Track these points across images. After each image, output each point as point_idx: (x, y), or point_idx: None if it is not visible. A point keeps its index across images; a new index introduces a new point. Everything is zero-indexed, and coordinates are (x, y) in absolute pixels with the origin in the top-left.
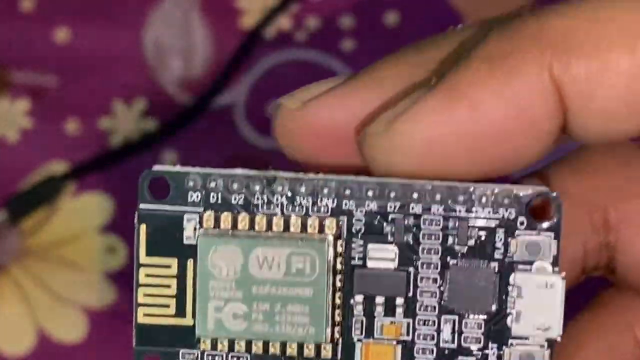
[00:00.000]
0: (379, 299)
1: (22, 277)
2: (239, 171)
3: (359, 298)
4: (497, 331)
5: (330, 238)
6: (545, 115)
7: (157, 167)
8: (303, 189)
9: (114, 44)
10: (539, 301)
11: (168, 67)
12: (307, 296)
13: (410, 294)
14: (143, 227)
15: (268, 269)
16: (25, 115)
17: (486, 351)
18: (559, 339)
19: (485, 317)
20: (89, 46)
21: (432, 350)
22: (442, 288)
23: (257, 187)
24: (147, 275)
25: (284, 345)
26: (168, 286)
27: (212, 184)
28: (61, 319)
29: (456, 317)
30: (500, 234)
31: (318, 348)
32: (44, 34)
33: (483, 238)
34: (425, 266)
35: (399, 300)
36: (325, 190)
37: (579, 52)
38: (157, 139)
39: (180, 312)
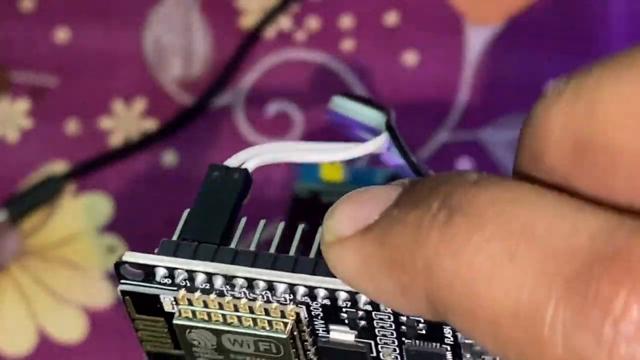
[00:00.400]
0: None
1: (22, 277)
2: (200, 267)
3: None
4: None
5: (289, 331)
6: None
7: (127, 257)
8: (260, 287)
9: (114, 44)
10: None
11: (168, 67)
12: None
13: (374, 356)
14: (128, 299)
15: (239, 346)
16: (25, 115)
17: None
18: None
19: None
20: (89, 46)
21: None
22: (402, 357)
23: (219, 281)
24: (142, 325)
25: None
26: (163, 333)
27: (177, 275)
28: (61, 319)
29: None
30: (447, 328)
31: None
32: (44, 34)
33: (431, 327)
34: (383, 341)
35: None
36: (280, 289)
37: None
38: (157, 139)
39: (178, 347)
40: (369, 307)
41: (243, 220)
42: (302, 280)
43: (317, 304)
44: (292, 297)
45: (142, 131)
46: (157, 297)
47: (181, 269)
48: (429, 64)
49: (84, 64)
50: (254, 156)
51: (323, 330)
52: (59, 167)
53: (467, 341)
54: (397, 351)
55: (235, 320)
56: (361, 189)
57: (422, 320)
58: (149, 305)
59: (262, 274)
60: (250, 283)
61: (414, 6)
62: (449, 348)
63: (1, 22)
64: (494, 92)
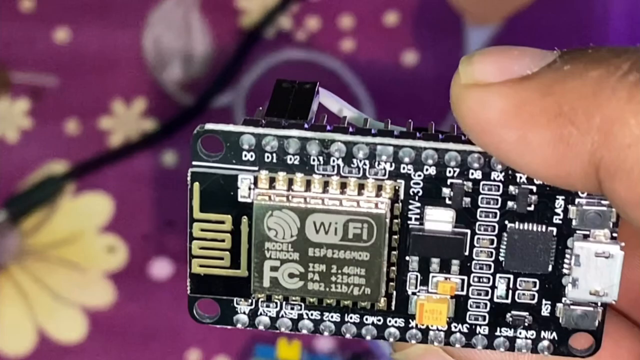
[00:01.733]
0: (435, 260)
1: (22, 277)
2: (294, 132)
3: (415, 258)
4: (552, 290)
5: (387, 209)
6: (581, 177)
7: (209, 126)
8: (360, 153)
9: (114, 44)
10: (596, 269)
11: (168, 67)
12: (364, 259)
13: (466, 253)
14: (196, 185)
15: (324, 234)
16: (25, 115)
17: (540, 307)
18: (613, 302)
19: (541, 277)
20: (89, 46)
21: (486, 305)
22: (498, 249)
23: (314, 150)
24: (202, 230)
25: (338, 301)
26: (222, 240)
27: (267, 145)
28: (61, 319)
29: (511, 276)
30: (560, 200)
31: (373, 303)
32: (44, 34)
33: (543, 203)
34: (482, 228)
35: (455, 261)
36: (383, 155)
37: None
38: (157, 139)
39: (235, 264)
40: (478, 175)
41: (324, 116)
42: (410, 142)
43: (419, 175)
44: (394, 167)
45: (142, 131)
46: (234, 179)
47: (272, 135)
48: (429, 64)
49: (83, 64)
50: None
51: (416, 219)
52: (58, 167)
53: (584, 208)
54: (495, 242)
55: (322, 201)
56: (503, 47)
57: (535, 190)
58: (220, 194)
59: (363, 138)
60: (350, 150)
61: (414, 6)
62: (555, 231)
63: (1, 22)
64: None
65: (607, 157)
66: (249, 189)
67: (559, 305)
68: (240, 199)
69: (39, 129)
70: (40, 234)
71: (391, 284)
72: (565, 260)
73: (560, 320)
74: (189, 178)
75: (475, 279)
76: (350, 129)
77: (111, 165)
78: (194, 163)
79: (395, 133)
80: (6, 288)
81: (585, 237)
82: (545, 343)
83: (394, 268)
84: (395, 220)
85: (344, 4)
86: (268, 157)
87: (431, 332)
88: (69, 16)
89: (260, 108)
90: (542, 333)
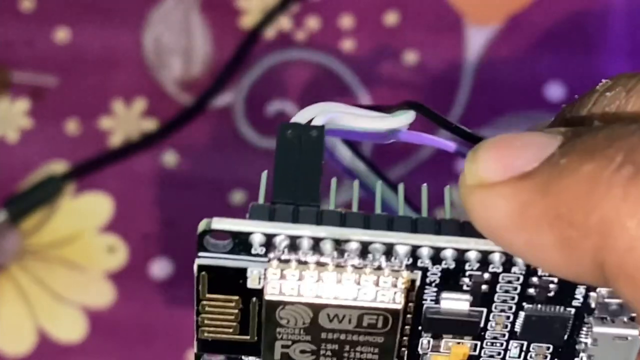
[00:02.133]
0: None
1: (22, 277)
2: (307, 232)
3: (428, 335)
4: (565, 354)
5: (403, 302)
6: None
7: (216, 224)
8: (377, 253)
9: (114, 44)
10: (614, 350)
11: (168, 67)
12: (377, 342)
13: (481, 326)
14: (204, 275)
15: (338, 322)
16: (25, 115)
17: None
18: None
19: (555, 345)
20: (89, 46)
21: None
22: (514, 323)
23: (328, 247)
24: (209, 307)
25: None
26: (230, 315)
27: (277, 242)
28: (61, 319)
29: (525, 342)
30: (581, 289)
31: None
32: (44, 34)
33: (563, 290)
34: (499, 309)
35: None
36: (401, 253)
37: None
38: (157, 139)
39: (244, 332)
40: (498, 269)
41: (334, 180)
42: (429, 241)
43: (437, 268)
44: (411, 261)
45: (142, 131)
46: (243, 271)
47: (284, 234)
48: (429, 64)
49: (83, 64)
50: (319, 114)
51: (431, 300)
52: (59, 167)
53: (606, 301)
54: (511, 319)
55: (335, 294)
56: (509, 135)
57: (556, 281)
58: (228, 281)
59: (381, 236)
60: (365, 248)
61: (414, 6)
62: (573, 312)
63: (1, 22)
64: (494, 92)
65: (608, 260)
66: (259, 278)
67: None
68: (249, 286)
69: (39, 129)
70: (40, 234)
71: (402, 349)
72: (582, 334)
73: None
74: (195, 268)
75: (489, 344)
76: (365, 217)
77: (111, 165)
78: (200, 254)
79: (413, 219)
80: (6, 288)
81: (604, 319)
82: None
83: (406, 338)
84: (410, 304)
85: (344, 4)
86: (279, 252)
87: None
88: (69, 16)
89: (266, 171)
90: None
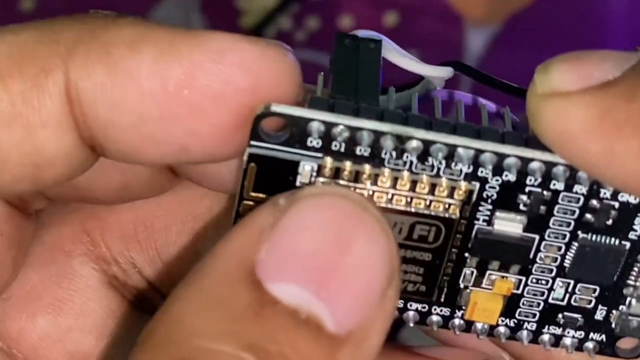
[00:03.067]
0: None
1: None
2: (369, 124)
3: (475, 258)
4: (611, 298)
5: (459, 214)
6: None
7: (276, 107)
8: (439, 154)
9: None
10: None
11: None
12: (425, 259)
13: (531, 257)
14: (252, 167)
15: None
16: None
17: (595, 311)
18: None
19: (603, 286)
20: None
21: (539, 304)
22: (564, 256)
23: (388, 144)
24: (251, 209)
25: None
26: None
27: (337, 133)
28: None
29: (572, 281)
30: None
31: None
32: None
33: (622, 219)
34: (553, 236)
35: (517, 265)
36: (463, 158)
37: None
38: None
39: None
40: (560, 187)
41: (392, 90)
42: (493, 147)
43: (497, 180)
44: (471, 169)
45: None
46: (295, 164)
47: (344, 124)
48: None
49: None
50: (373, 37)
51: (484, 220)
52: None
53: None
54: (563, 250)
55: (389, 198)
56: (583, 51)
57: (617, 206)
58: (277, 177)
59: (444, 138)
60: (427, 149)
61: (414, 6)
62: (628, 245)
63: (1, 22)
64: (493, 92)
65: None
66: (311, 176)
67: (615, 312)
68: (299, 184)
69: None
70: None
71: (445, 277)
72: (632, 274)
73: (614, 327)
74: (245, 158)
75: (534, 280)
76: (427, 119)
77: None
78: (253, 143)
79: (476, 128)
80: None
81: None
82: (591, 344)
83: (451, 264)
84: (463, 221)
85: (344, 4)
86: (336, 146)
87: (476, 324)
88: (69, 16)
89: (322, 74)
90: (591, 335)
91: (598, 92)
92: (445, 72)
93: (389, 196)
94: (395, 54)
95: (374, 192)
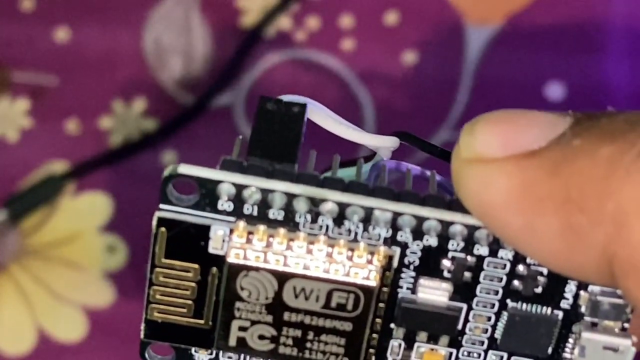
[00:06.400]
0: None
1: (22, 277)
2: (281, 186)
3: (402, 329)
4: None
5: (378, 281)
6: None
7: (183, 169)
8: (355, 217)
9: (114, 43)
10: None
11: (168, 67)
12: (345, 329)
13: (459, 327)
14: (162, 231)
15: (304, 299)
16: (25, 115)
17: None
18: None
19: (539, 359)
20: (89, 46)
21: None
22: (495, 326)
23: (302, 207)
24: (164, 277)
25: None
26: (186, 289)
27: (248, 195)
28: (61, 319)
29: (505, 354)
30: (571, 285)
31: None
32: (44, 33)
33: (552, 286)
34: (481, 304)
35: (446, 336)
36: (380, 221)
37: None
38: (157, 138)
39: (198, 314)
40: (484, 252)
41: (313, 153)
42: (412, 210)
43: (418, 245)
44: (390, 233)
45: (142, 131)
46: (206, 229)
47: (256, 187)
48: (429, 64)
49: (83, 63)
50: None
51: (408, 288)
52: (58, 166)
53: (598, 299)
54: (492, 320)
55: (305, 264)
56: (511, 110)
57: (546, 273)
58: (189, 242)
59: (359, 200)
60: (343, 211)
61: (414, 6)
62: (561, 315)
63: (1, 22)
64: (494, 92)
65: (620, 253)
66: (223, 241)
67: None
68: (211, 250)
69: (39, 129)
70: (40, 234)
71: (371, 350)
72: (568, 346)
73: None
74: (154, 222)
75: (465, 353)
76: (345, 181)
77: (111, 165)
78: (162, 206)
79: (396, 191)
80: (6, 288)
81: (594, 325)
82: None
83: (375, 335)
84: (384, 289)
85: (344, 4)
86: (248, 209)
87: None
88: (69, 16)
89: (241, 137)
90: None
91: (522, 162)
92: (388, 142)
93: (305, 262)
94: (327, 120)
95: (288, 257)
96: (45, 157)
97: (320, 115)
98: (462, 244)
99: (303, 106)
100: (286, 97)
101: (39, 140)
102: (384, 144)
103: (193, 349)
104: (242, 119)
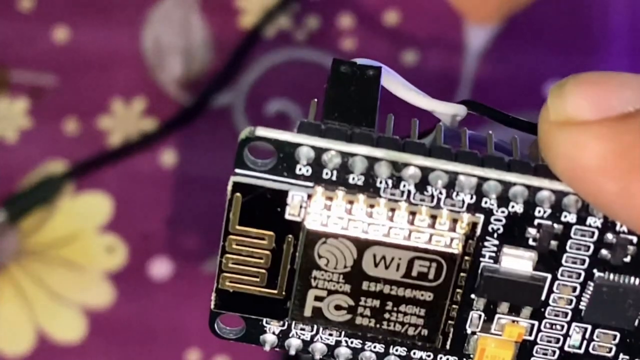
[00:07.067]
0: (505, 302)
1: (21, 277)
2: (362, 149)
3: (482, 299)
4: (634, 345)
5: (461, 249)
6: None
7: (261, 131)
8: (439, 182)
9: (114, 43)
10: None
11: (168, 67)
12: (426, 299)
13: (542, 299)
14: (237, 196)
15: (384, 268)
16: (24, 115)
17: None
18: None
19: (623, 331)
20: (89, 46)
21: (554, 352)
22: (580, 297)
23: (383, 172)
24: (237, 245)
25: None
26: (260, 258)
27: (327, 159)
28: (61, 319)
29: (589, 326)
30: None
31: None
32: (44, 33)
33: None
34: (566, 274)
35: (528, 307)
36: (465, 187)
37: None
38: (157, 138)
39: (271, 284)
40: (572, 219)
41: (391, 117)
42: (497, 175)
43: (503, 212)
44: (474, 199)
45: (141, 131)
46: (283, 194)
47: (336, 150)
48: (429, 64)
49: (83, 63)
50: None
51: (490, 257)
52: (58, 166)
53: None
54: (578, 290)
55: (385, 231)
56: (602, 73)
57: (635, 241)
58: (264, 208)
59: (443, 165)
60: (425, 177)
61: (414, 6)
62: None
63: (1, 21)
64: (494, 92)
65: None
66: (301, 207)
67: None
68: (288, 217)
69: (38, 129)
70: (40, 234)
71: (450, 322)
72: None
73: None
74: (229, 187)
75: (548, 325)
76: (427, 146)
77: (111, 165)
78: (238, 171)
79: (480, 156)
80: (6, 288)
81: None
82: None
83: (456, 306)
84: (467, 258)
85: (344, 4)
86: (327, 174)
87: None
88: (69, 16)
89: (316, 100)
90: None
91: (617, 125)
92: (457, 109)
93: (386, 229)
94: (399, 86)
95: (369, 224)
96: (45, 157)
97: (392, 80)
98: (549, 211)
99: (378, 69)
100: (359, 61)
101: (38, 140)
102: (453, 111)
103: (265, 320)
104: (242, 119)
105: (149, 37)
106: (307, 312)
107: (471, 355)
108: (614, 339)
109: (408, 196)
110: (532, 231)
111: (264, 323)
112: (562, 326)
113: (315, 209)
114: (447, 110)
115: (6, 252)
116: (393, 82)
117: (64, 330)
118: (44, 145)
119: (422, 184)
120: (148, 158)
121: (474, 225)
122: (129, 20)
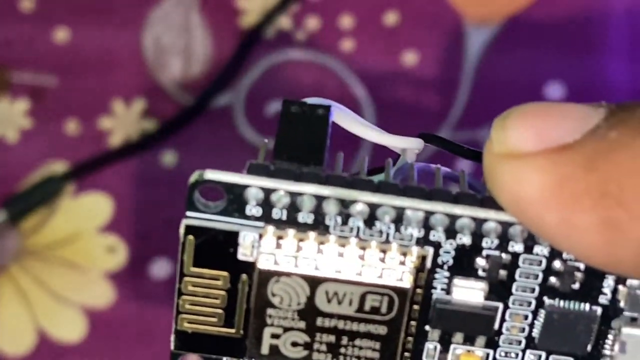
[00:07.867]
0: (459, 333)
1: (22, 277)
2: (310, 188)
3: (437, 331)
4: None
5: (412, 282)
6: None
7: (210, 175)
8: (386, 217)
9: (114, 43)
10: None
11: (168, 67)
12: (380, 333)
13: (496, 328)
14: (190, 239)
15: (337, 304)
16: (25, 115)
17: None
18: None
19: (577, 356)
20: (89, 46)
21: None
22: (532, 325)
23: (332, 209)
24: (193, 286)
25: None
26: (215, 298)
27: (276, 199)
28: (61, 319)
29: (543, 353)
30: (609, 280)
31: None
32: (44, 34)
33: (589, 282)
34: (517, 303)
35: (482, 336)
36: (412, 221)
37: None
38: (156, 139)
39: (229, 323)
40: (519, 248)
41: (340, 155)
42: (444, 208)
43: (451, 244)
44: (422, 233)
45: (141, 131)
46: (235, 235)
47: (285, 190)
48: (429, 64)
49: (83, 64)
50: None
51: (442, 289)
52: (58, 167)
53: (637, 293)
54: (529, 318)
55: (336, 268)
56: (542, 103)
57: (583, 268)
58: (217, 250)
59: (390, 200)
60: (373, 213)
61: (414, 6)
62: (599, 311)
63: (1, 22)
64: (494, 92)
65: None
66: (252, 247)
67: None
68: (240, 257)
69: (38, 129)
70: (40, 234)
71: (406, 354)
72: (608, 343)
73: None
74: (181, 230)
75: (503, 354)
76: (375, 182)
77: (111, 165)
78: (189, 214)
79: (427, 189)
80: (6, 288)
81: (634, 320)
82: None
83: (410, 338)
84: (419, 290)
85: (344, 4)
86: (277, 214)
87: None
88: (69, 16)
89: (266, 140)
90: None
91: (556, 156)
92: (411, 143)
93: (337, 265)
94: (352, 122)
95: (320, 261)
96: (45, 158)
97: (345, 117)
98: (496, 242)
99: (327, 108)
100: (310, 100)
101: (39, 140)
102: (409, 145)
103: (224, 359)
104: (242, 119)
105: (149, 38)
106: (265, 350)
107: None
108: None
109: (357, 232)
110: (481, 262)
111: None
112: (517, 354)
113: (266, 249)
114: (401, 144)
115: (7, 252)
116: (345, 119)
117: (65, 330)
118: (45, 146)
119: (370, 220)
120: (148, 158)
121: (423, 258)
122: (129, 20)
